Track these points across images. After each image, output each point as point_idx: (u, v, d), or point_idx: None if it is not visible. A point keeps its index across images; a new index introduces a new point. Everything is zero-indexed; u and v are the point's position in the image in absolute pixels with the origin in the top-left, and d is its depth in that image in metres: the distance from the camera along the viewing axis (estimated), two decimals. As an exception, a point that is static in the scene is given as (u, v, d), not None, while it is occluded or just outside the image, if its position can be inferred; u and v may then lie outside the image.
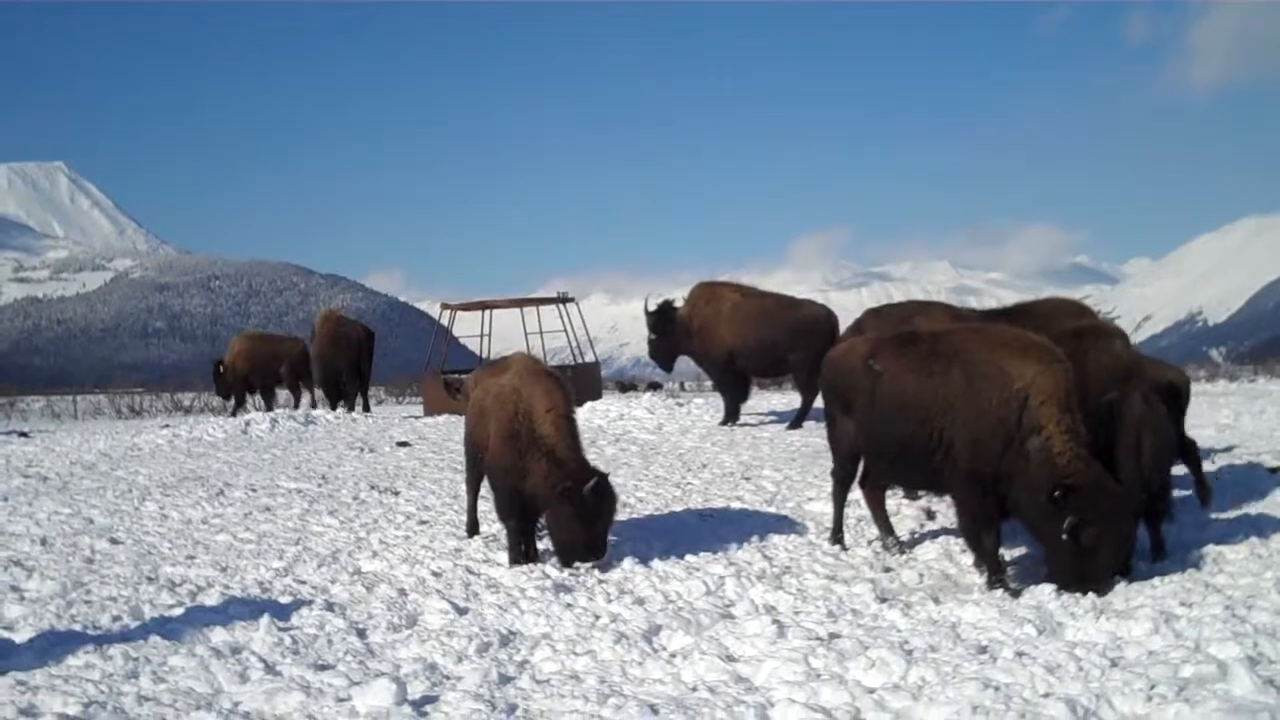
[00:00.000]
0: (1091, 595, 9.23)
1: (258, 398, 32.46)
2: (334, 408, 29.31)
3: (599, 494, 11.05)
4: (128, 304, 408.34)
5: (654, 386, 41.90)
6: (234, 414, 30.55)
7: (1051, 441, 9.63)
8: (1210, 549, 10.39)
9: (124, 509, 15.24)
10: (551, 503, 11.11)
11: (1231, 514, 11.88)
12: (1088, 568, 9.46)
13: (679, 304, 23.05)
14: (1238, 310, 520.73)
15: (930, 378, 10.37)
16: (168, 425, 27.12)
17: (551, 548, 11.48)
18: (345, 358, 29.46)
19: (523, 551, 11.52)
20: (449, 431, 22.88)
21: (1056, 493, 9.41)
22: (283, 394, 32.79)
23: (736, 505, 13.97)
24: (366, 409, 30.10)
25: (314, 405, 30.71)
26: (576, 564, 11.02)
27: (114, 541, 13.01)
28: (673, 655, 8.46)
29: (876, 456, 11.22)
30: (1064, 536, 9.37)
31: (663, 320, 22.92)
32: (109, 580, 11.06)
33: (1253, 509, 11.97)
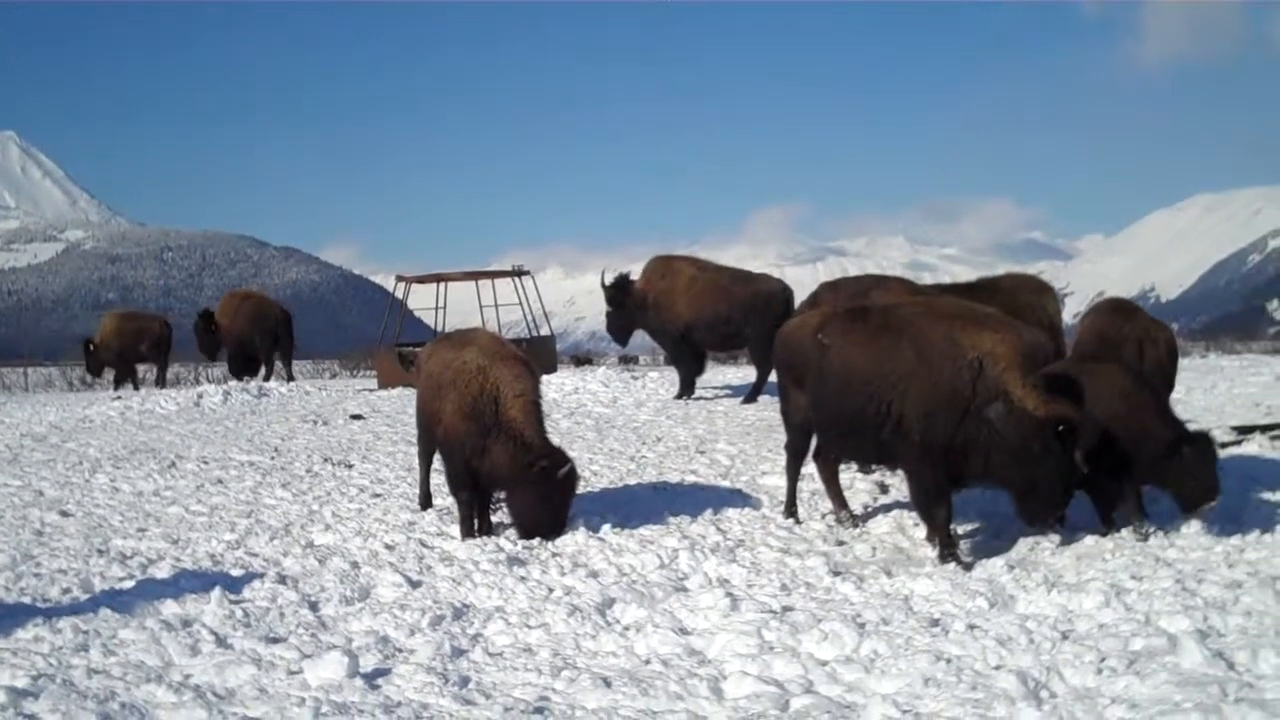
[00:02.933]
0: (1044, 569, 9.33)
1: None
2: (239, 378, 30.34)
3: (569, 476, 11.18)
4: (79, 275, 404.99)
5: (628, 360, 41.50)
6: (117, 387, 31.84)
7: (1024, 401, 9.74)
8: (1161, 523, 10.48)
9: (74, 481, 15.16)
10: (518, 483, 11.14)
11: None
12: (1070, 487, 9.97)
13: (635, 278, 23.02)
14: (1190, 286, 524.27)
15: (879, 351, 10.42)
16: (119, 397, 27.00)
17: (509, 521, 11.49)
18: (266, 336, 30.83)
19: (474, 525, 11.53)
20: (403, 404, 22.84)
21: (1061, 428, 9.61)
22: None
23: (691, 479, 13.98)
24: (290, 378, 31.25)
25: (162, 384, 32.17)
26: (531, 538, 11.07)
27: (64, 514, 12.93)
28: (626, 628, 8.47)
29: (826, 430, 11.25)
30: (1084, 469, 9.71)
31: (619, 294, 22.89)
32: (59, 553, 10.99)
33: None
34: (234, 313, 30.85)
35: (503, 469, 11.20)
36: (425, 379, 12.18)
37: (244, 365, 31.08)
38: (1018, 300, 15.28)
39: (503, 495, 11.67)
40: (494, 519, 11.87)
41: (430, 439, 12.22)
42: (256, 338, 30.71)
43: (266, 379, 30.33)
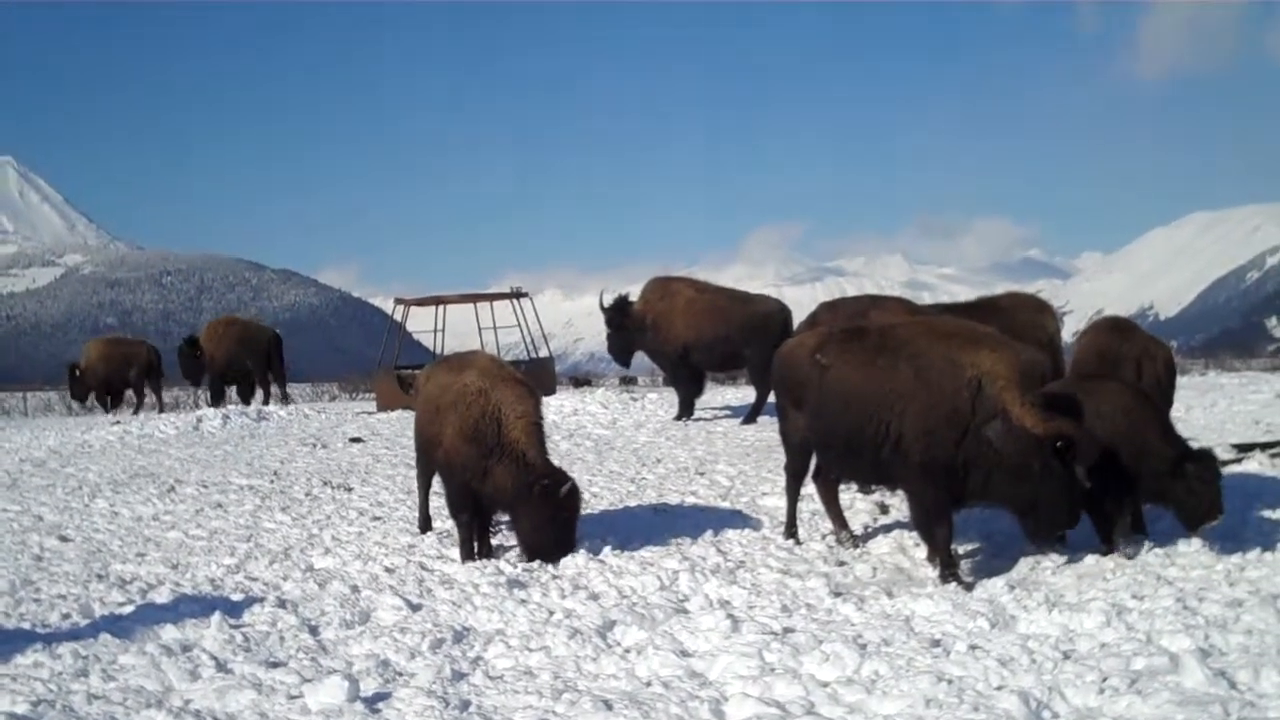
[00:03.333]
0: (1045, 589, 9.32)
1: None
2: (217, 404, 30.50)
3: (573, 495, 11.18)
4: (78, 300, 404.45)
5: (627, 382, 41.47)
6: (108, 411, 32.34)
7: (1022, 418, 9.73)
8: (1162, 541, 10.47)
9: (74, 506, 15.15)
10: (521, 504, 11.14)
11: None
12: (1076, 505, 9.86)
13: (634, 299, 23.03)
14: (1189, 304, 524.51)
15: (877, 371, 10.42)
16: (118, 421, 26.97)
17: (511, 544, 11.50)
18: (258, 359, 31.09)
19: (474, 548, 11.53)
20: (402, 427, 22.81)
21: (1059, 444, 9.60)
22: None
23: (691, 500, 13.97)
24: (286, 400, 31.63)
25: (161, 409, 32.31)
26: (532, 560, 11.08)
27: (64, 539, 12.93)
28: (627, 651, 8.46)
29: (826, 450, 11.24)
30: (1086, 483, 9.66)
31: (618, 315, 22.90)
32: (58, 578, 10.98)
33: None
34: (219, 338, 31.04)
35: (505, 490, 11.20)
36: (424, 402, 12.18)
37: (224, 390, 31.28)
38: (1017, 319, 15.28)
39: (504, 518, 11.69)
40: (494, 542, 11.88)
41: (430, 461, 12.21)
42: (249, 361, 30.91)
43: (265, 402, 30.58)
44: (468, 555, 11.43)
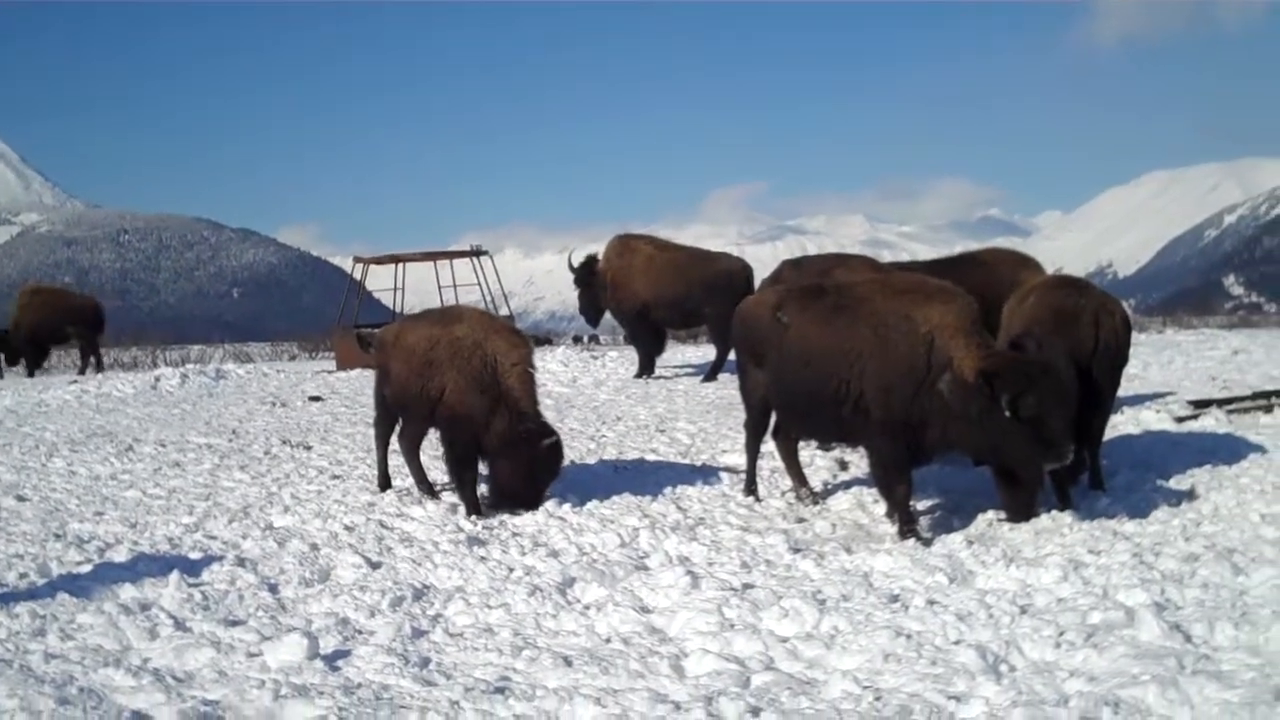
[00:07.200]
0: (1002, 544, 9.38)
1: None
2: (30, 373, 31.08)
3: (557, 449, 11.37)
4: (34, 259, 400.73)
5: (578, 340, 41.55)
6: None
7: (962, 364, 9.68)
8: (1118, 497, 10.54)
9: (31, 465, 15.03)
10: (508, 453, 11.26)
11: (1140, 462, 12.04)
12: (1048, 437, 9.52)
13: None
14: (1147, 263, 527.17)
15: (836, 330, 10.41)
16: (75, 381, 26.80)
17: (490, 490, 11.55)
18: (85, 328, 31.47)
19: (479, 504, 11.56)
20: (361, 386, 22.75)
21: (979, 380, 9.51)
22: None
23: (651, 458, 13.98)
24: (100, 369, 31.52)
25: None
26: (491, 517, 11.10)
27: (20, 498, 12.82)
28: (587, 607, 8.46)
29: (786, 408, 11.26)
30: (1008, 414, 9.40)
31: (587, 274, 22.92)
32: (15, 538, 10.89)
33: (1160, 457, 12.13)
34: (27, 306, 31.26)
35: (501, 437, 11.29)
36: (405, 356, 11.96)
37: (34, 355, 31.48)
38: (998, 274, 15.33)
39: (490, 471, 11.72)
40: (452, 500, 11.85)
41: (391, 417, 12.21)
42: (71, 329, 31.26)
43: (99, 370, 30.88)
44: (474, 509, 11.46)
